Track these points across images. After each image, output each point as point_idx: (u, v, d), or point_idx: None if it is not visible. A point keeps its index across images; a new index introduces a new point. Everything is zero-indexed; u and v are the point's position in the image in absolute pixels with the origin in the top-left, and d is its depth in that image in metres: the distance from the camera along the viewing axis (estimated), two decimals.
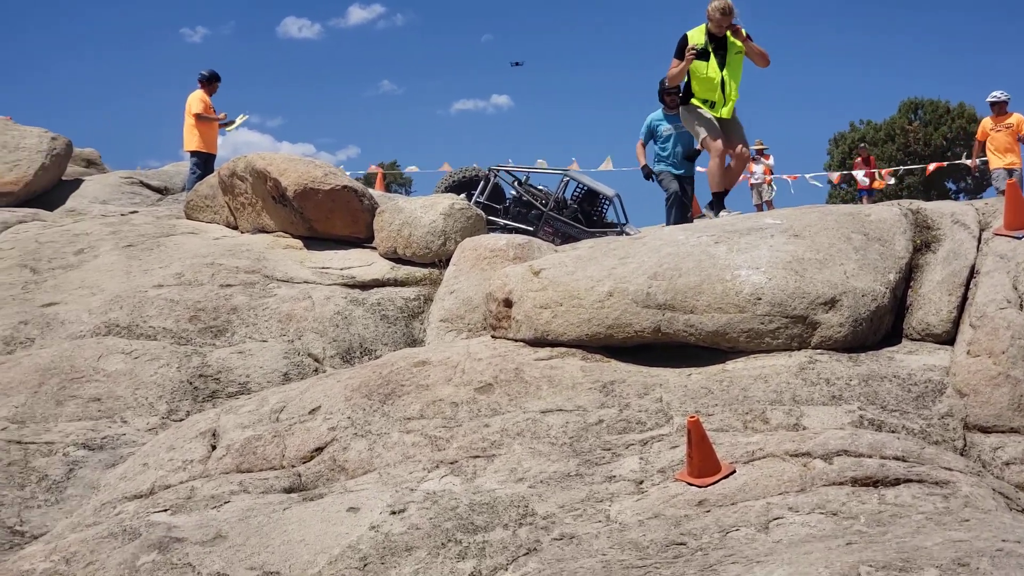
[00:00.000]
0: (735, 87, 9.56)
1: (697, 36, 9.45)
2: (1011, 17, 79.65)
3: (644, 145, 12.24)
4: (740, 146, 9.73)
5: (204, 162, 14.91)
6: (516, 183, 14.57)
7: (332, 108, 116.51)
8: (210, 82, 15.36)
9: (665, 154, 11.93)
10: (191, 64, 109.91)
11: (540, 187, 14.60)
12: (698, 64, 9.42)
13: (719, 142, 9.54)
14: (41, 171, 15.01)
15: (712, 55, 9.40)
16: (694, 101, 9.65)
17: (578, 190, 14.69)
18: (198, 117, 14.97)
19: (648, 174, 12.10)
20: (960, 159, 29.47)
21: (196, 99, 15.12)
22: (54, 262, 10.81)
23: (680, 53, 9.46)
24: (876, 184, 24.32)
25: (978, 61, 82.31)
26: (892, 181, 26.07)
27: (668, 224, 11.59)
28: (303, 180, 10.71)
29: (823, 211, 7.82)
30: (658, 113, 12.06)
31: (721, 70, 9.44)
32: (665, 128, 11.94)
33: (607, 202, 14.70)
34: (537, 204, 14.11)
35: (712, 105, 9.57)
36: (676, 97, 10.79)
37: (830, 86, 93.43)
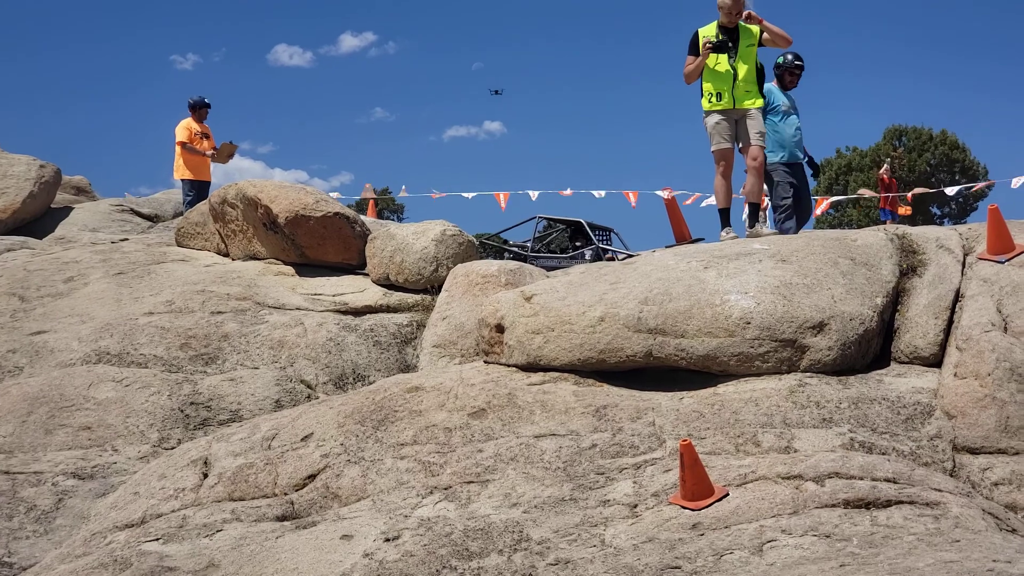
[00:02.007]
0: (750, 77, 9.20)
1: (709, 31, 9.23)
2: (989, 49, 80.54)
3: None
4: (750, 148, 9.26)
5: (196, 189, 14.92)
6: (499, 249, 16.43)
7: (324, 135, 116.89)
8: (195, 109, 15.27)
9: (780, 137, 10.20)
10: (182, 91, 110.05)
11: (517, 242, 16.56)
12: (710, 56, 9.15)
13: (722, 156, 9.27)
14: (29, 199, 15.00)
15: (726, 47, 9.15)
16: (704, 97, 9.31)
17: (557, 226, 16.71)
18: (182, 145, 14.98)
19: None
20: (942, 185, 29.62)
21: (181, 127, 15.11)
22: (43, 290, 10.79)
23: (694, 49, 9.25)
24: (902, 211, 23.72)
25: (959, 90, 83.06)
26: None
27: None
28: (294, 207, 10.72)
29: (810, 236, 7.90)
30: (771, 85, 10.36)
31: (731, 61, 9.13)
32: (784, 103, 10.39)
33: (597, 231, 16.15)
34: (521, 253, 15.74)
35: (719, 97, 9.19)
36: (798, 75, 10.38)
37: (816, 113, 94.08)
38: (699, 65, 9.22)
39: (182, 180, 15.13)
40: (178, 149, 15.03)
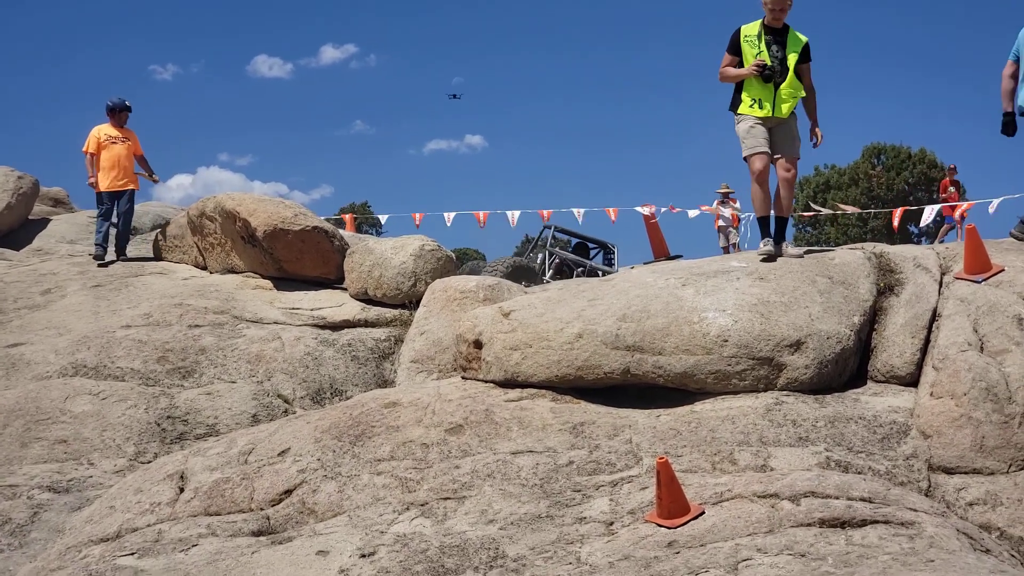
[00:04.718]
0: (793, 83, 8.24)
1: (751, 30, 8.31)
2: (968, 68, 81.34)
3: (1016, 71, 8.35)
4: (780, 159, 8.30)
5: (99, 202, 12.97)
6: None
7: (304, 147, 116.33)
8: (113, 112, 13.14)
9: None
10: (161, 101, 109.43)
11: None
12: (748, 54, 8.23)
13: (758, 161, 8.24)
14: (7, 210, 14.84)
15: (766, 50, 8.21)
16: (744, 102, 8.35)
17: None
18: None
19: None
20: (921, 204, 29.56)
21: (90, 135, 13.04)
22: (20, 302, 10.74)
23: (734, 49, 8.30)
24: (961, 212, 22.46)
25: (938, 108, 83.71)
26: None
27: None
28: (273, 221, 10.72)
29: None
30: None
31: (774, 63, 8.18)
32: None
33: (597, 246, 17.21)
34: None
35: (760, 104, 8.25)
36: None
37: None
38: (739, 75, 8.33)
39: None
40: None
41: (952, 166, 23.45)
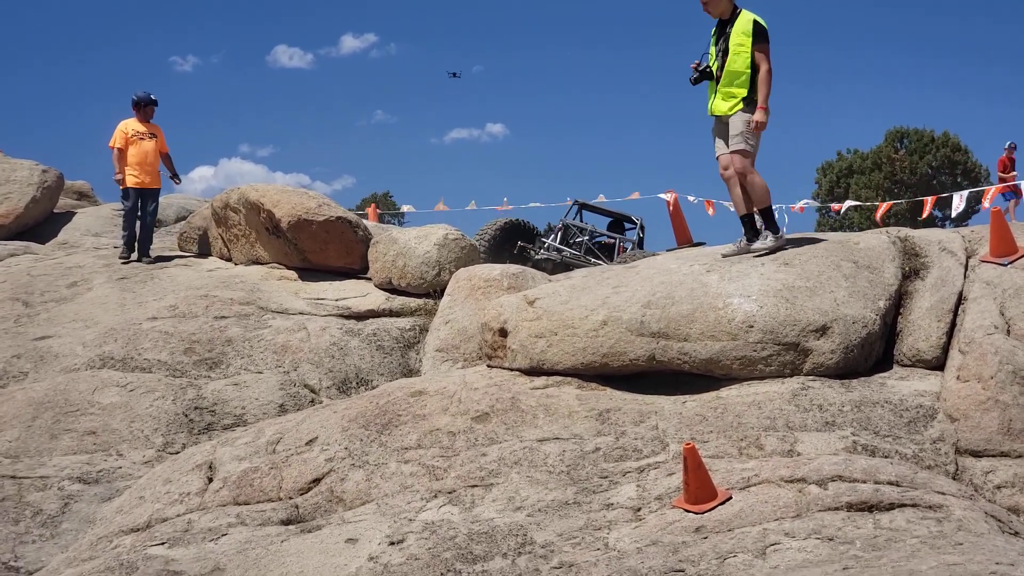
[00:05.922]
0: (733, 80, 7.71)
1: (714, 30, 7.96)
2: (991, 51, 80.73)
3: None
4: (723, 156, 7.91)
5: (131, 198, 12.53)
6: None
7: (325, 138, 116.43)
8: (139, 107, 12.81)
9: None
10: (181, 93, 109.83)
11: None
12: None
13: (720, 164, 7.96)
14: (32, 204, 14.93)
15: (714, 48, 7.88)
16: None
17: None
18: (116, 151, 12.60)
19: None
20: (945, 188, 29.29)
21: (117, 130, 12.68)
22: (47, 295, 10.82)
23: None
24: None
25: (961, 91, 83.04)
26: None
27: None
28: (297, 211, 10.76)
29: (812, 239, 7.90)
30: None
31: (717, 60, 7.82)
32: None
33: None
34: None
35: (708, 106, 7.95)
36: None
37: (816, 115, 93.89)
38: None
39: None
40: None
41: (1012, 144, 22.72)
